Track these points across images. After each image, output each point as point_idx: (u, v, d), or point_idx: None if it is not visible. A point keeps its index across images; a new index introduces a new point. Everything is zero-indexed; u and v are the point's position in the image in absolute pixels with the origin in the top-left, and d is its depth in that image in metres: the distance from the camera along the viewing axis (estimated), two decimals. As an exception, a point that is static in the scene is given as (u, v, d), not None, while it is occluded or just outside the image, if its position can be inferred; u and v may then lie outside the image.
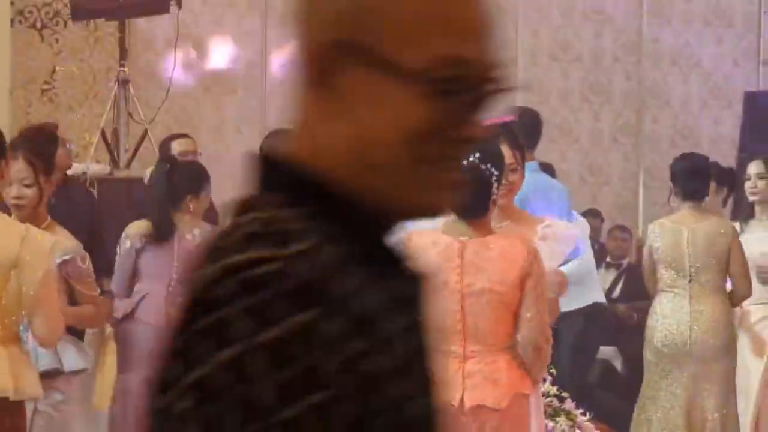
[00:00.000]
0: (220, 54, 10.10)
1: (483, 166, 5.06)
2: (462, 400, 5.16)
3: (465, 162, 3.84)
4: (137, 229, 7.00)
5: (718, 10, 10.86)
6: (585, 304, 8.56)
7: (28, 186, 5.74)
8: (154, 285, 7.01)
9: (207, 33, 10.06)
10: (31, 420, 5.92)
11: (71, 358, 6.15)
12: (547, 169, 8.49)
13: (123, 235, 7.02)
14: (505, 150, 5.41)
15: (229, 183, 9.98)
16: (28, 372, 5.31)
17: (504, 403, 5.14)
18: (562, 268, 7.21)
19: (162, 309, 6.98)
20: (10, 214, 5.56)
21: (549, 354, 5.22)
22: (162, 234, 6.96)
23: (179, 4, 8.88)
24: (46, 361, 5.94)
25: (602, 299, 9.03)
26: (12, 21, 9.41)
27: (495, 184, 5.06)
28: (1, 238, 5.19)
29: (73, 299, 5.98)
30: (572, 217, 7.80)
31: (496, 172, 5.10)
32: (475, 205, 5.04)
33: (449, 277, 5.15)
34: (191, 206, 6.99)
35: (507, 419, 5.20)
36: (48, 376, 5.86)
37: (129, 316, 6.90)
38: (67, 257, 5.79)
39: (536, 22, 10.55)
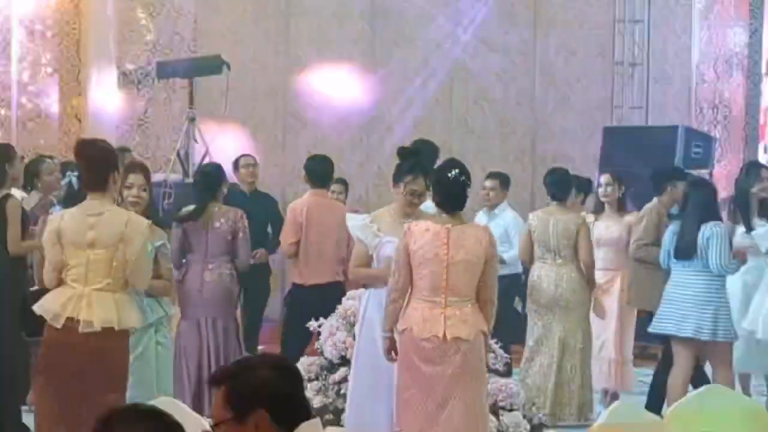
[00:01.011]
0: (252, 100, 13.50)
1: (461, 179, 6.57)
2: (444, 333, 6.57)
3: (450, 175, 5.86)
4: (180, 213, 8.76)
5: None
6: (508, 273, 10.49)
7: (144, 191, 7.53)
8: (194, 256, 8.69)
9: (247, 86, 13.35)
10: (155, 348, 7.75)
11: (170, 306, 7.92)
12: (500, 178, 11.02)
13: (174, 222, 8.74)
14: (420, 181, 7.09)
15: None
16: (130, 311, 6.67)
17: (472, 336, 6.55)
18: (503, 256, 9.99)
19: (199, 274, 8.69)
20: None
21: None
22: (196, 215, 8.59)
23: (228, 67, 12.28)
24: (160, 312, 7.77)
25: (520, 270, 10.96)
26: (118, 81, 13.10)
27: (468, 191, 6.58)
28: (112, 223, 6.55)
29: (156, 272, 7.35)
30: None
31: (469, 183, 6.57)
32: (457, 204, 6.60)
33: (439, 251, 6.53)
34: (224, 190, 8.78)
35: (473, 347, 6.62)
36: (158, 322, 7.70)
37: (180, 281, 8.59)
38: (162, 242, 7.39)
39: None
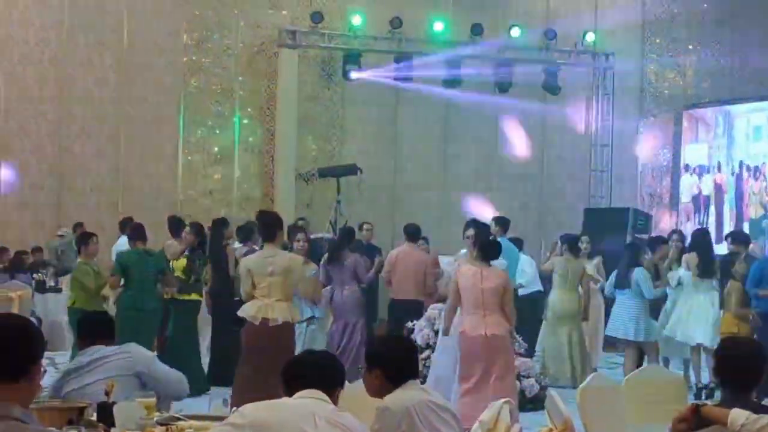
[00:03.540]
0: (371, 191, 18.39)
1: (493, 241, 9.59)
2: (485, 332, 8.80)
3: (491, 238, 10.34)
4: (325, 257, 11.85)
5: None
6: (531, 291, 13.73)
7: (306, 242, 11.02)
8: (336, 284, 11.78)
9: (370, 183, 18.14)
10: (305, 333, 11.00)
11: (321, 312, 11.39)
12: (515, 241, 13.64)
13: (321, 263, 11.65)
14: (470, 231, 9.91)
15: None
16: (296, 312, 8.78)
17: (502, 333, 8.91)
18: (520, 282, 12.95)
19: (340, 295, 11.56)
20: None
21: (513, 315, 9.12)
22: (335, 259, 11.77)
23: (360, 171, 17.29)
24: (308, 313, 11.16)
25: (541, 288, 13.81)
26: (296, 177, 18.09)
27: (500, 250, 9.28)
28: (283, 260, 8.54)
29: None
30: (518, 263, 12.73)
31: (499, 244, 9.57)
32: (492, 258, 9.20)
33: (476, 282, 8.88)
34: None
35: (505, 340, 8.98)
36: (310, 319, 11.22)
37: (331, 298, 11.72)
38: (314, 271, 11.09)
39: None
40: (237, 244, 12.67)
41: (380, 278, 13.22)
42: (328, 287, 11.91)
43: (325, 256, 11.96)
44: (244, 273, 8.67)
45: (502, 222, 13.56)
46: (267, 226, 8.88)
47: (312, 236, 14.19)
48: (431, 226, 16.74)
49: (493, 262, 9.41)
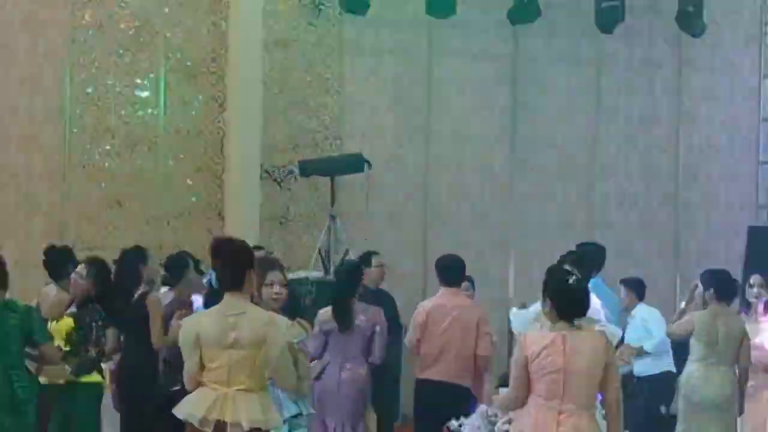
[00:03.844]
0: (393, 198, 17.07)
1: (582, 285, 8.34)
2: None
3: (571, 282, 8.17)
4: (325, 315, 11.08)
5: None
6: (659, 371, 13.55)
7: (283, 287, 9.09)
8: (333, 358, 11.26)
9: (388, 183, 16.97)
10: None
11: (307, 407, 9.58)
12: (631, 282, 14.20)
13: (315, 319, 10.95)
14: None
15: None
16: (273, 411, 8.07)
17: None
18: (644, 346, 12.76)
19: (335, 376, 11.17)
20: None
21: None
22: (345, 325, 11.19)
23: (369, 166, 15.88)
24: (293, 410, 9.36)
25: (673, 368, 13.45)
26: (261, 176, 16.80)
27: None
28: (255, 323, 7.95)
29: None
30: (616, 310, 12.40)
31: (588, 290, 8.34)
32: (581, 312, 8.23)
33: (555, 356, 8.11)
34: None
35: None
36: (293, 418, 9.29)
37: (317, 377, 10.98)
38: (301, 338, 9.09)
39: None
40: (162, 290, 12.37)
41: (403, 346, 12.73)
42: (317, 362, 11.32)
43: (326, 309, 11.38)
44: (187, 343, 8.07)
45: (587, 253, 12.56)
46: (230, 265, 8.14)
47: (290, 277, 11.72)
48: (487, 258, 17.27)
49: (586, 322, 8.64)
